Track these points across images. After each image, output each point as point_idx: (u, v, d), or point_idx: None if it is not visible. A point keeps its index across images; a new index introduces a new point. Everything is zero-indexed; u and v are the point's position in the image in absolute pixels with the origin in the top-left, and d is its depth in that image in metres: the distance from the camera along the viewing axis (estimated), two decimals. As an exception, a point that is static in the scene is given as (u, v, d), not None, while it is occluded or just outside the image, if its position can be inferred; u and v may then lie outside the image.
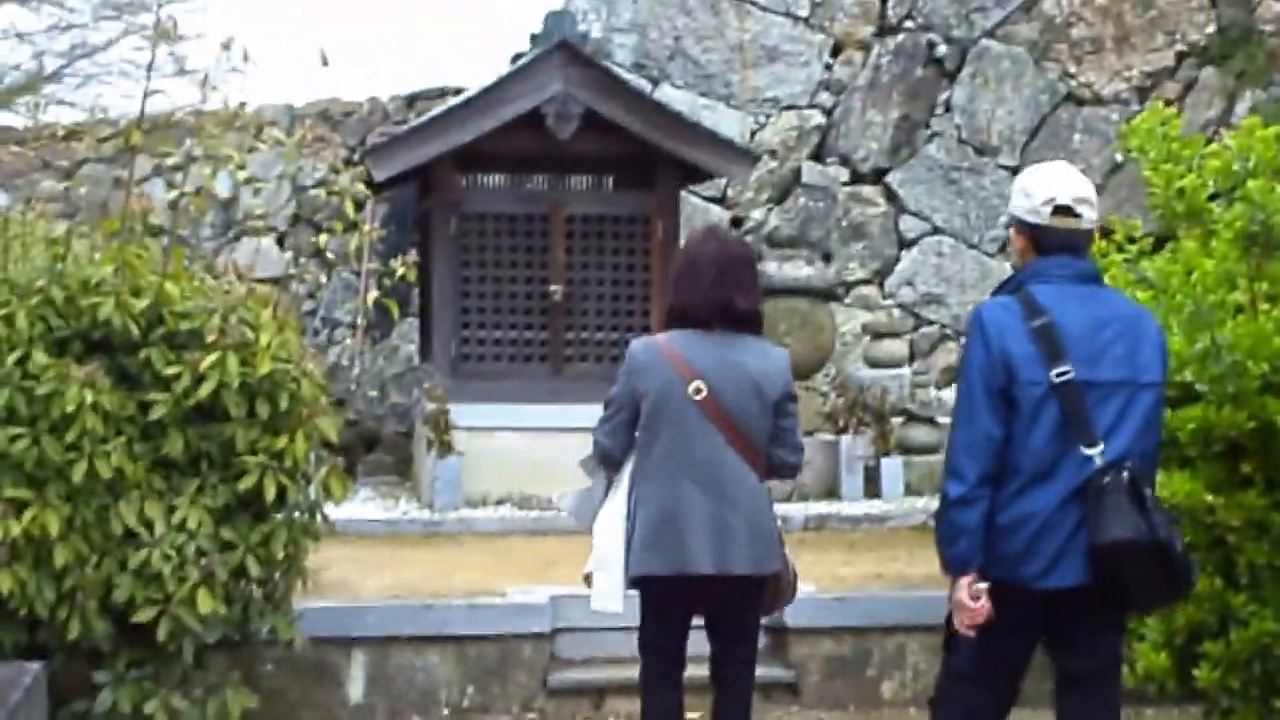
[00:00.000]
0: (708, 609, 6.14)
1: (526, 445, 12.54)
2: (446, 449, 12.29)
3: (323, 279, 16.99)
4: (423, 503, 12.49)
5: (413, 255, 7.11)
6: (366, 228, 14.78)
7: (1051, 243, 5.50)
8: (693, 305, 6.02)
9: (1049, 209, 5.46)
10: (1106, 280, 6.31)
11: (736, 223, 17.62)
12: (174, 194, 6.98)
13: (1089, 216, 5.51)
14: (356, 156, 16.56)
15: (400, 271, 7.11)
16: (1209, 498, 6.70)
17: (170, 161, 20.37)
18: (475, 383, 12.89)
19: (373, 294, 7.17)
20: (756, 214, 17.75)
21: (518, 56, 13.85)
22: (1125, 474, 5.27)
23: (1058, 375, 5.33)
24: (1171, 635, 6.94)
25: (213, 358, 6.46)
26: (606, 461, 6.17)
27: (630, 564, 5.98)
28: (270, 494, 6.60)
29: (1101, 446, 5.31)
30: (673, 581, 5.95)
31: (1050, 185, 5.50)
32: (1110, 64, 18.19)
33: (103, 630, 6.46)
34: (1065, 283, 5.50)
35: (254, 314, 6.79)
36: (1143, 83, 18.12)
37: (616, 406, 6.10)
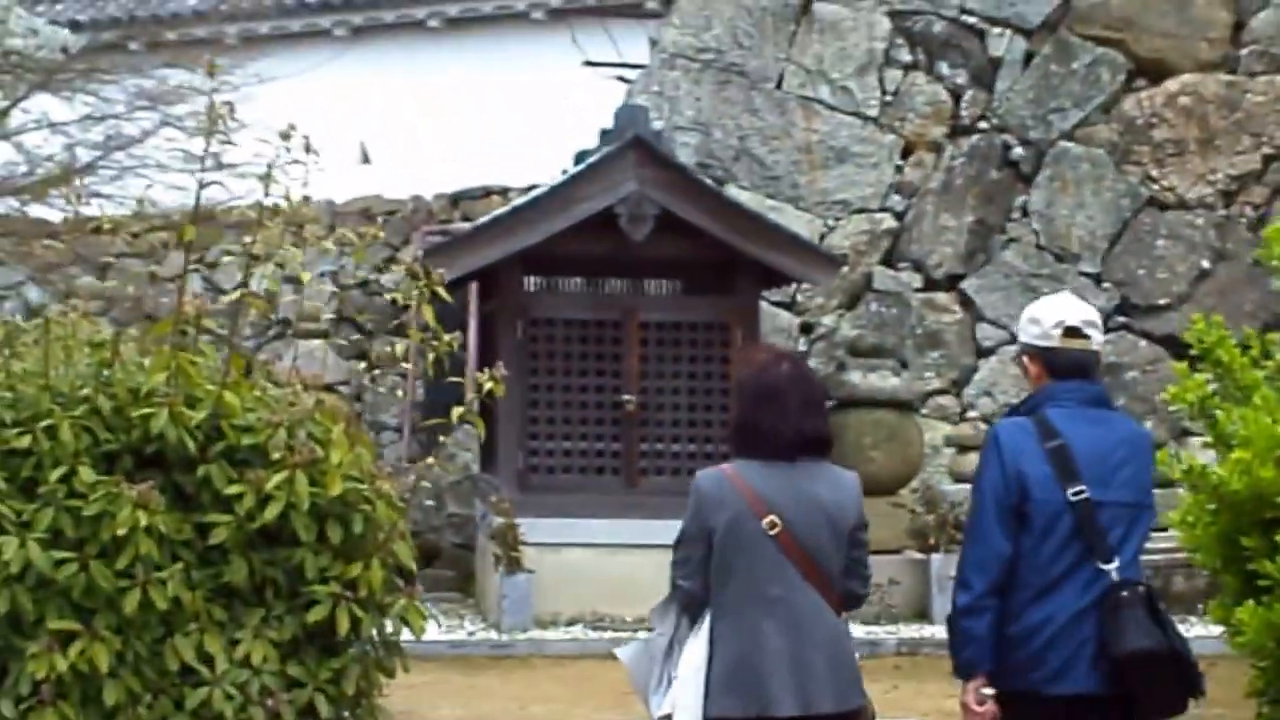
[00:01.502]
0: None
1: (599, 562, 12.00)
2: (515, 566, 11.69)
3: (365, 381, 16.49)
4: (489, 622, 11.93)
5: (500, 368, 6.45)
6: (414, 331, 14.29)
7: (1063, 364, 5.77)
8: (774, 433, 5.69)
9: (1059, 331, 5.76)
10: (1257, 399, 6.93)
11: (807, 329, 17.03)
12: (234, 293, 6.32)
13: (1096, 338, 5.82)
14: (411, 255, 16.09)
15: (489, 386, 6.45)
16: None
17: (212, 258, 20.00)
18: (544, 495, 12.35)
19: (460, 408, 6.48)
20: (827, 320, 17.16)
21: (583, 154, 13.37)
22: (1142, 588, 5.56)
23: (1074, 494, 5.56)
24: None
25: (280, 477, 5.79)
26: (690, 604, 5.84)
27: (708, 707, 5.66)
28: (344, 627, 5.93)
29: (1117, 562, 5.56)
30: None
31: (1058, 311, 5.82)
32: (1194, 167, 17.60)
33: (155, 777, 5.77)
34: (1078, 406, 5.74)
35: (323, 428, 6.14)
36: (1228, 186, 17.54)
37: (690, 545, 5.80)
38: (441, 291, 6.49)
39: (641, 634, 11.52)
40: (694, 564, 5.78)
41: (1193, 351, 7.72)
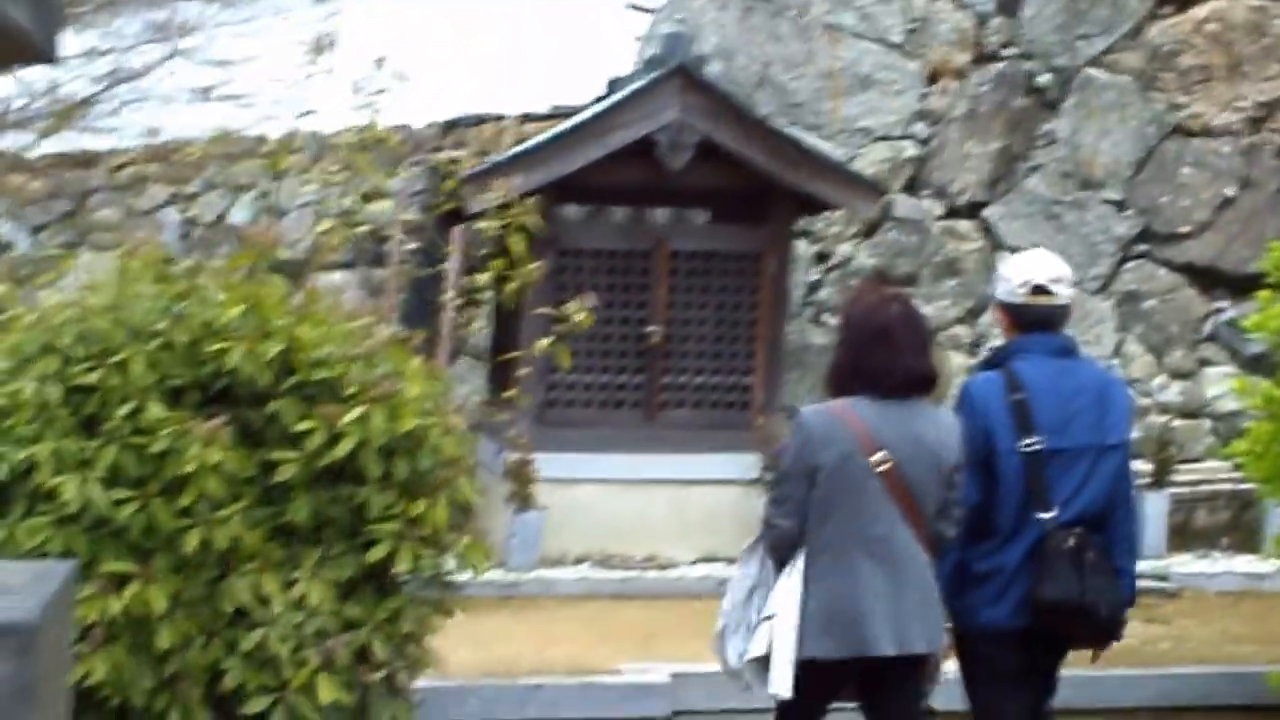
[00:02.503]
0: (875, 692, 5.93)
1: (611, 499, 11.83)
2: (528, 503, 11.52)
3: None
4: (493, 562, 11.75)
5: (590, 299, 6.34)
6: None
7: (1030, 318, 6.18)
8: (887, 372, 5.75)
9: (1026, 289, 6.16)
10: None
11: (822, 257, 16.86)
12: (325, 223, 6.19)
13: (1064, 294, 6.23)
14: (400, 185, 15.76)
15: (579, 317, 6.35)
16: None
17: (189, 188, 19.80)
18: (561, 430, 12.11)
19: (543, 340, 6.44)
20: (843, 249, 16.99)
21: (615, 81, 13.14)
22: (1072, 539, 5.97)
23: (1026, 446, 5.99)
24: None
25: (356, 412, 5.63)
26: (782, 545, 5.82)
27: (803, 647, 5.67)
28: (405, 566, 5.80)
29: (1055, 512, 6.00)
30: (847, 665, 5.75)
31: (1027, 270, 6.23)
32: (1221, 94, 17.40)
33: (205, 721, 5.63)
34: (1043, 356, 6.14)
35: (397, 361, 6.00)
36: (1257, 113, 17.32)
37: (792, 483, 5.80)
38: (531, 221, 6.34)
39: (650, 573, 11.47)
40: (794, 503, 5.76)
41: (1269, 280, 7.66)
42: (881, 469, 5.66)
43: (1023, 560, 6.02)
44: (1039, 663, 6.29)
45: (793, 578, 5.75)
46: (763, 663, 5.76)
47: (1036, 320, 6.19)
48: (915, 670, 5.87)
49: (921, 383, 5.83)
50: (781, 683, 5.67)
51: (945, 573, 5.96)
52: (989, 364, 6.37)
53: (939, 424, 5.85)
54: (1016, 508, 6.05)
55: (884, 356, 5.76)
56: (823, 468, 5.70)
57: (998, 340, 16.10)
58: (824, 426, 5.75)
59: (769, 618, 5.76)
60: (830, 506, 5.71)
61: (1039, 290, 6.16)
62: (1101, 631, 6.20)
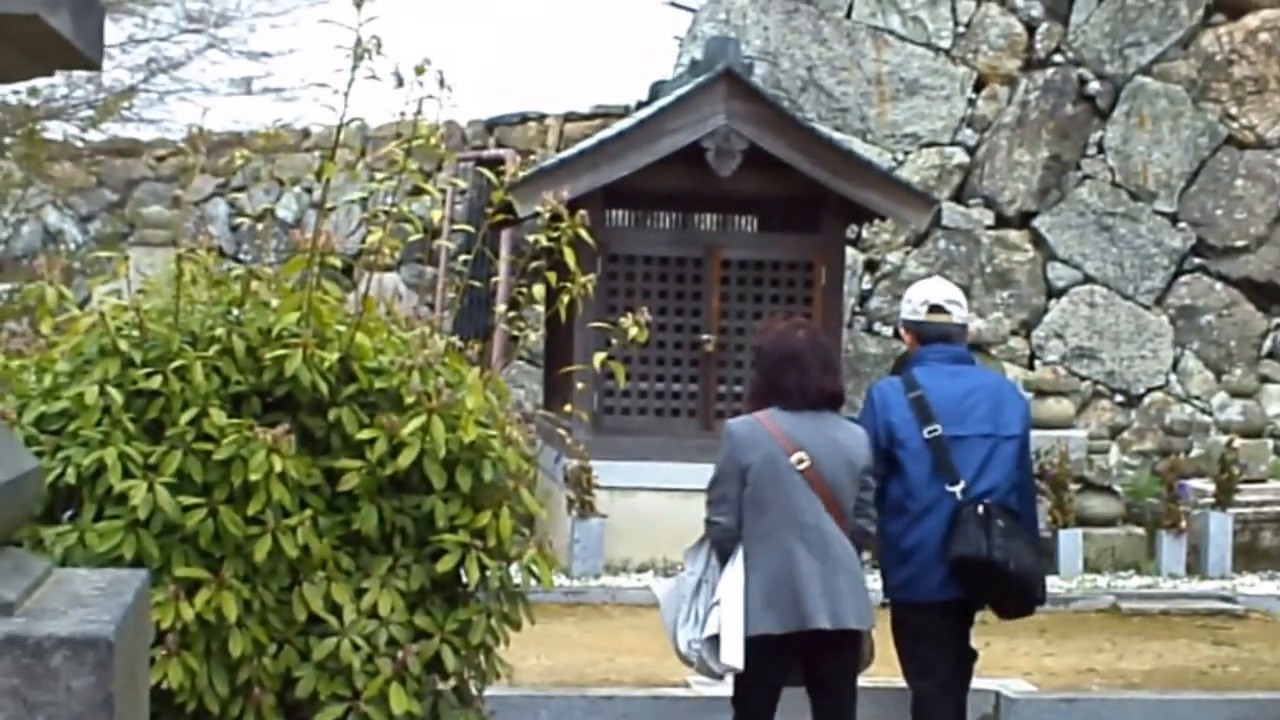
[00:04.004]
0: (814, 668, 6.59)
1: (670, 507, 11.72)
2: (589, 510, 11.45)
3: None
4: (558, 568, 11.67)
5: (644, 314, 6.33)
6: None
7: (929, 334, 7.13)
8: (798, 390, 6.48)
9: (925, 309, 7.16)
10: None
11: (871, 266, 16.73)
12: (376, 231, 6.08)
13: (959, 314, 7.16)
14: (443, 183, 15.53)
15: (633, 331, 6.28)
16: None
17: (236, 181, 19.70)
18: (617, 437, 12.05)
19: (599, 355, 6.40)
20: (893, 257, 16.87)
21: (658, 84, 13.04)
22: (980, 507, 6.81)
23: (929, 433, 6.92)
24: None
25: (416, 422, 5.55)
26: (724, 540, 6.53)
27: (751, 624, 6.34)
28: (473, 576, 5.71)
29: (963, 484, 6.87)
30: (786, 639, 6.36)
31: (926, 293, 7.22)
32: (1274, 105, 17.25)
33: (280, 730, 5.55)
34: (939, 363, 7.08)
35: (455, 371, 5.91)
36: (1311, 126, 17.16)
37: (725, 484, 6.54)
38: (584, 233, 6.29)
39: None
40: (729, 501, 6.49)
41: None
42: (801, 467, 6.38)
43: (942, 535, 6.85)
44: (964, 626, 7.15)
45: (736, 566, 6.43)
46: (715, 641, 6.42)
47: (935, 335, 7.12)
48: (850, 646, 6.54)
49: (829, 398, 6.55)
50: (731, 654, 6.33)
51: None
52: (893, 372, 7.36)
53: (849, 431, 6.62)
54: (926, 489, 6.93)
55: (794, 377, 6.49)
56: (751, 467, 6.43)
57: (1052, 355, 16.39)
58: (748, 432, 6.49)
59: (718, 602, 6.44)
60: (763, 500, 6.43)
61: (936, 309, 7.13)
62: (1014, 594, 6.96)
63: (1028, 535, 7.05)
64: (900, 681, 7.91)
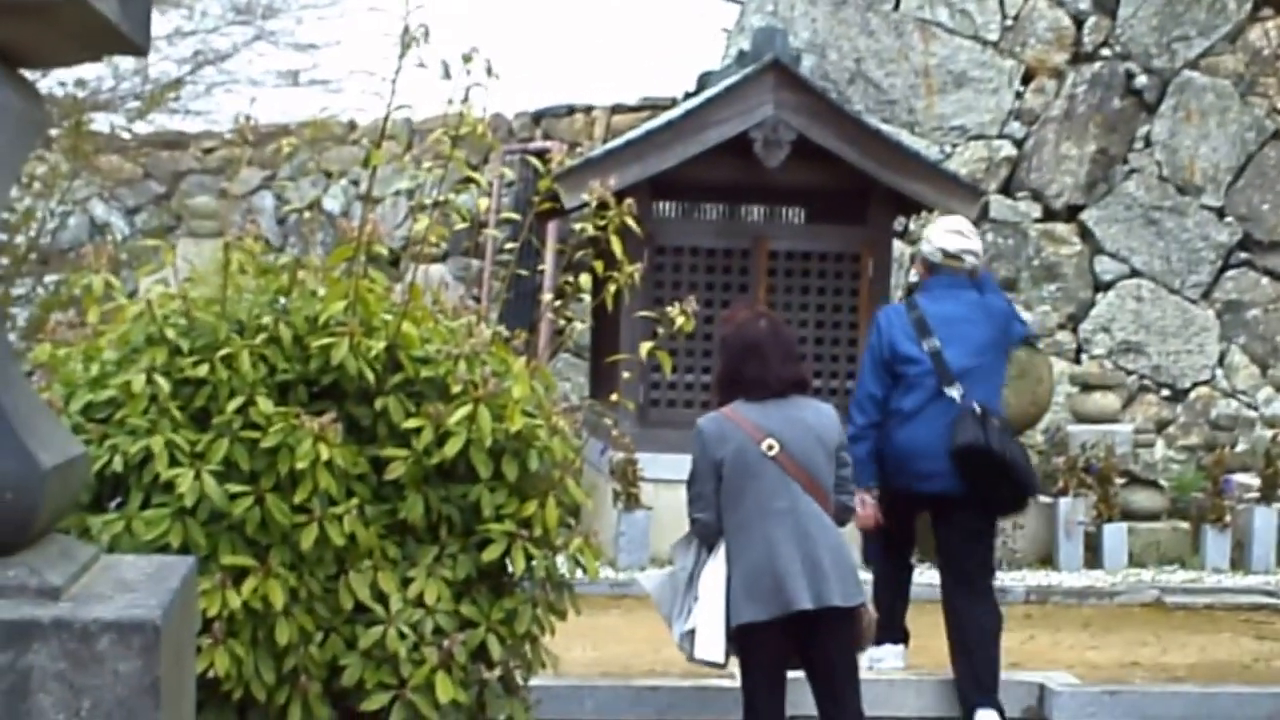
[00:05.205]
0: (808, 650, 6.61)
1: (715, 500, 11.66)
2: (634, 502, 11.44)
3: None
4: (603, 560, 11.64)
5: (691, 303, 6.34)
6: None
7: (939, 272, 8.03)
8: (759, 380, 6.58)
9: (940, 255, 8.01)
10: None
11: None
12: (423, 220, 6.08)
13: (970, 261, 8.01)
14: (491, 174, 15.62)
15: (680, 321, 6.29)
16: None
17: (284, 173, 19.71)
18: (662, 430, 11.96)
19: (646, 344, 6.39)
20: (939, 250, 16.78)
21: (706, 75, 13.01)
22: (976, 408, 7.68)
23: (928, 347, 7.79)
24: None
25: (462, 411, 5.55)
26: (707, 535, 6.67)
27: (732, 615, 6.47)
28: (519, 566, 5.70)
29: (960, 390, 7.72)
30: (774, 626, 6.44)
31: (945, 240, 8.04)
32: (1324, 100, 17.12)
33: (326, 717, 5.54)
34: (941, 290, 7.97)
35: (501, 360, 5.91)
36: (1361, 121, 17.02)
37: (701, 481, 6.67)
38: (632, 222, 6.28)
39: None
40: (707, 497, 6.62)
41: None
42: (771, 453, 6.47)
43: (935, 436, 7.71)
44: (959, 531, 7.89)
45: (717, 559, 6.58)
46: (694, 635, 6.59)
47: (945, 274, 7.98)
48: (840, 625, 6.55)
49: (791, 385, 6.63)
50: (705, 649, 6.53)
51: (861, 455, 7.57)
52: (905, 298, 8.41)
53: (818, 411, 6.69)
54: (927, 396, 7.82)
55: (755, 368, 6.60)
56: (724, 461, 6.54)
57: (1099, 349, 16.42)
58: (717, 428, 6.61)
59: (698, 597, 6.62)
60: (737, 492, 6.53)
61: (950, 256, 7.96)
62: (1011, 484, 7.75)
63: (1017, 439, 8.10)
64: (943, 674, 7.94)
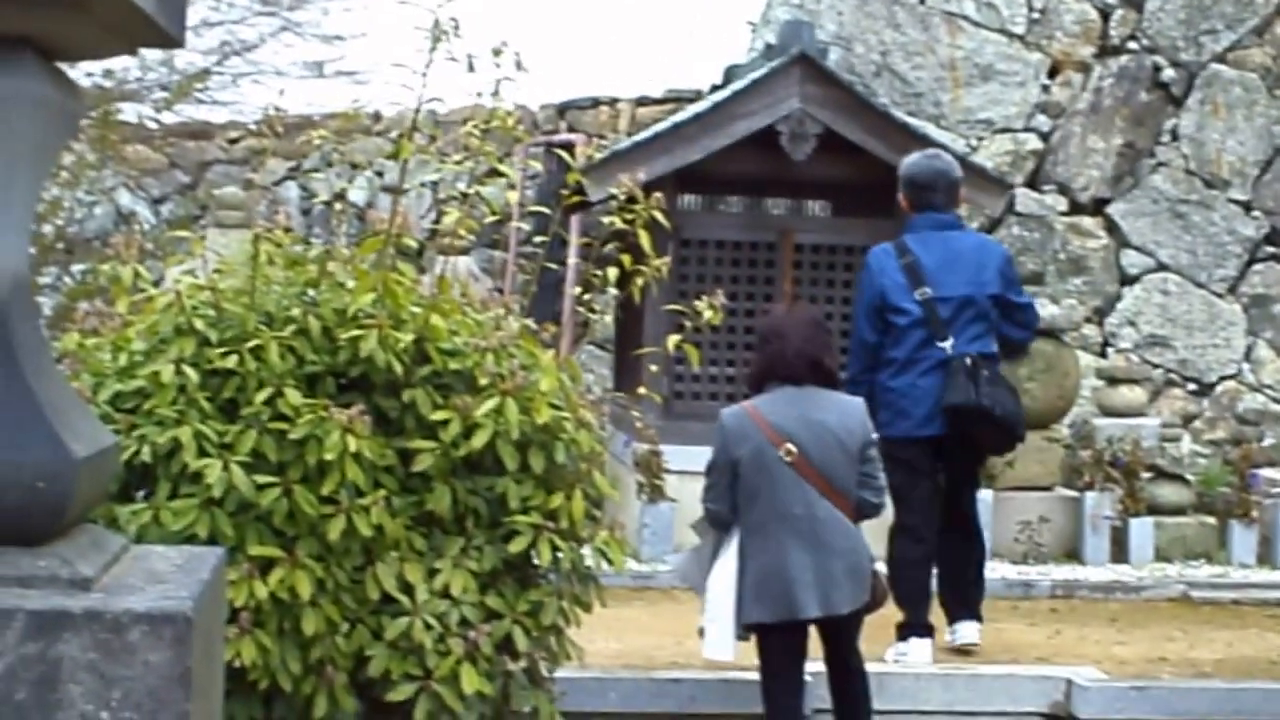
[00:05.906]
0: (827, 640, 6.89)
1: (739, 492, 11.64)
2: (659, 495, 11.43)
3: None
4: (627, 552, 11.64)
5: (720, 297, 6.34)
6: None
7: (921, 205, 8.38)
8: (780, 358, 6.71)
9: (911, 190, 8.48)
10: None
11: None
12: (451, 212, 6.09)
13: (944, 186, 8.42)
14: (515, 167, 15.55)
15: (708, 314, 6.31)
16: None
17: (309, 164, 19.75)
18: (687, 422, 11.93)
19: (673, 337, 6.42)
20: (965, 243, 16.75)
21: (733, 68, 12.98)
22: (968, 360, 7.89)
23: (920, 295, 7.97)
24: None
25: (490, 403, 5.55)
26: (718, 524, 6.84)
27: (742, 614, 6.67)
28: (545, 558, 5.71)
29: (951, 341, 7.94)
30: (787, 627, 6.65)
31: (915, 172, 8.50)
32: (1351, 94, 17.05)
33: (352, 708, 5.55)
34: (929, 230, 8.21)
35: (529, 353, 5.91)
36: (1389, 115, 16.95)
37: (718, 473, 6.80)
38: (659, 216, 6.28)
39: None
40: (720, 489, 6.77)
41: None
42: (789, 459, 6.56)
43: (928, 383, 7.96)
44: (951, 459, 8.21)
45: (728, 557, 6.72)
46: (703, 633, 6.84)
47: (930, 213, 8.29)
48: (847, 622, 6.78)
49: (814, 367, 6.69)
50: (713, 647, 6.77)
51: (859, 397, 7.37)
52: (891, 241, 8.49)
53: (842, 409, 6.75)
54: (918, 346, 8.01)
55: (778, 345, 6.74)
56: (741, 460, 6.66)
57: (1125, 343, 16.40)
58: (738, 424, 6.72)
59: (708, 597, 6.83)
60: (754, 492, 6.65)
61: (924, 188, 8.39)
62: (1000, 432, 8.07)
63: (1006, 382, 8.20)
64: (971, 668, 7.94)
